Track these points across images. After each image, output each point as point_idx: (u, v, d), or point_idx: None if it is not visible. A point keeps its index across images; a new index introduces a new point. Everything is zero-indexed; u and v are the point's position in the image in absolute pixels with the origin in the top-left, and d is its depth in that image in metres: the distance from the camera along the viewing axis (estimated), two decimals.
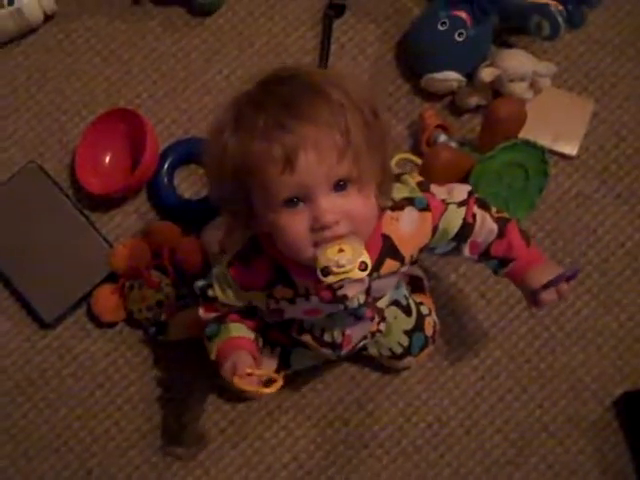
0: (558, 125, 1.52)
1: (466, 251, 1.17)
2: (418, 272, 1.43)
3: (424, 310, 1.37)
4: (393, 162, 1.49)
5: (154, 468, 1.40)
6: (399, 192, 1.10)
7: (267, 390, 1.09)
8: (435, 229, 1.12)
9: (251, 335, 1.20)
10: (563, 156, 1.53)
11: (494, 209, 1.18)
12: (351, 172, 0.95)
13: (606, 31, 1.59)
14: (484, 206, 1.17)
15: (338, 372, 1.43)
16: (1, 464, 1.40)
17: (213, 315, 1.18)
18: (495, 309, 1.47)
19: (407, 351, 1.35)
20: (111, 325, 1.44)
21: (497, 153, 1.36)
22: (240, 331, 1.19)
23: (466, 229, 1.14)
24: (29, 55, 1.56)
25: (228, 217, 1.12)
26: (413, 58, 1.55)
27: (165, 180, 1.48)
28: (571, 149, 1.53)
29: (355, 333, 1.23)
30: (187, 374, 1.43)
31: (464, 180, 1.36)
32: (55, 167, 1.51)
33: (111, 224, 1.49)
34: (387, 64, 1.57)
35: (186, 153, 1.50)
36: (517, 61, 1.47)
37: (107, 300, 1.41)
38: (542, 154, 1.42)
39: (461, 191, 1.16)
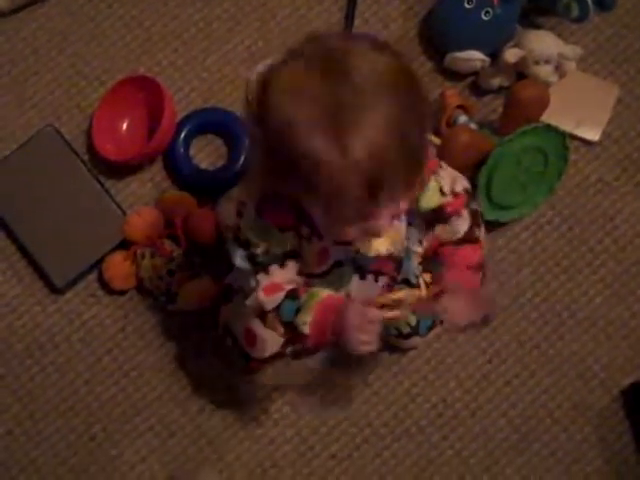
0: (581, 110, 1.50)
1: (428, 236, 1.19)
2: None
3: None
4: None
5: (157, 436, 1.42)
6: None
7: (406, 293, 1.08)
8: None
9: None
10: (585, 142, 1.51)
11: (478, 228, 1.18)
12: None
13: (636, 15, 1.56)
14: (475, 216, 1.17)
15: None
16: (7, 425, 1.42)
17: (279, 295, 1.09)
18: (507, 293, 1.46)
19: (414, 331, 1.34)
20: (121, 292, 1.45)
21: (517, 136, 1.35)
22: (326, 291, 1.10)
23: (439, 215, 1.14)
24: (51, 17, 1.55)
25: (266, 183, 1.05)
26: (437, 36, 1.52)
27: (182, 149, 1.48)
28: (593, 135, 1.50)
29: (360, 297, 1.21)
30: (195, 344, 1.44)
31: (482, 162, 1.35)
32: (72, 132, 1.51)
33: (126, 191, 1.49)
34: (410, 41, 1.55)
35: (204, 123, 1.50)
36: (543, 43, 1.45)
37: (118, 267, 1.42)
38: (563, 139, 1.40)
39: (459, 182, 1.16)
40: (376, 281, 1.19)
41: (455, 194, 1.15)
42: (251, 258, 1.10)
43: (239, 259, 1.10)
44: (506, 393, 1.44)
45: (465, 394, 1.44)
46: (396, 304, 1.05)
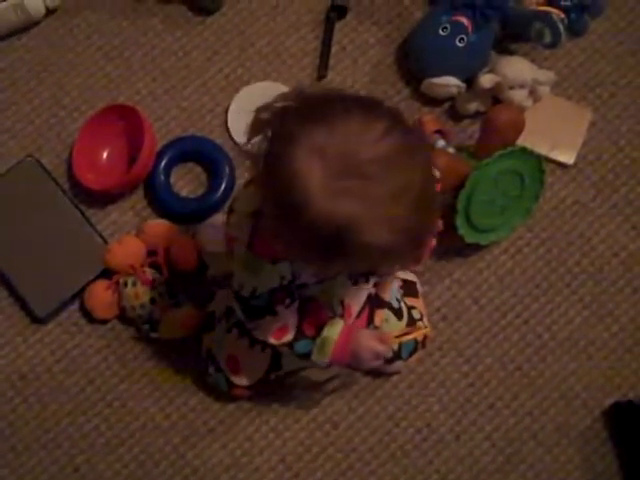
0: (556, 133, 1.52)
1: None
2: (411, 276, 1.43)
3: (415, 314, 1.37)
4: None
5: (142, 466, 1.41)
6: None
7: (423, 332, 1.20)
8: None
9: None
10: (560, 164, 1.53)
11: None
12: None
13: (607, 40, 1.59)
14: None
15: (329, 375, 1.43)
16: None
17: (288, 337, 1.15)
18: (488, 315, 1.47)
19: (397, 355, 1.35)
20: (104, 322, 1.44)
21: (494, 160, 1.36)
22: (338, 325, 1.17)
23: None
24: (30, 49, 1.56)
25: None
26: (414, 62, 1.54)
27: (162, 178, 1.48)
28: (568, 158, 1.53)
29: (353, 302, 1.22)
30: (178, 372, 1.43)
31: (461, 186, 1.36)
32: (52, 161, 1.51)
33: (107, 220, 1.49)
34: (388, 67, 1.57)
35: (184, 151, 1.50)
36: (517, 68, 1.47)
37: (100, 296, 1.41)
38: (539, 162, 1.42)
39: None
40: (367, 282, 1.22)
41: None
42: (245, 308, 1.14)
43: (240, 312, 1.16)
44: (490, 416, 1.44)
45: (449, 418, 1.44)
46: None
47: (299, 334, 1.15)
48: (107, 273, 1.43)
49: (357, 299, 1.22)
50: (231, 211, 1.14)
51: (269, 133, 0.94)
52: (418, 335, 1.18)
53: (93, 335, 1.44)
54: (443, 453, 1.43)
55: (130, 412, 1.42)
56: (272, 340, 1.16)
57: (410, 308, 1.37)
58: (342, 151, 0.87)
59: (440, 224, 1.23)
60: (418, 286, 1.43)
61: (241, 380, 1.34)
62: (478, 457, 1.43)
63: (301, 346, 1.15)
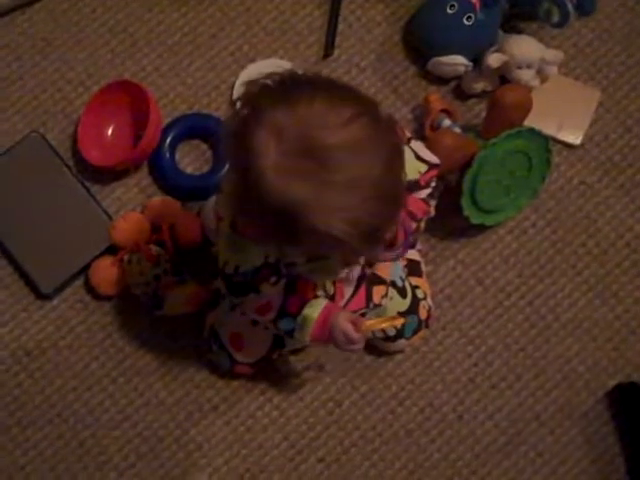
0: (563, 114, 1.52)
1: None
2: (416, 256, 1.43)
3: (419, 294, 1.37)
4: None
5: (146, 442, 1.41)
6: None
7: (398, 322, 1.15)
8: None
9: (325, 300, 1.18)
10: (567, 145, 1.52)
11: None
12: None
13: (616, 20, 1.58)
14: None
15: (333, 353, 1.43)
16: None
17: (271, 315, 1.15)
18: (492, 296, 1.47)
19: (400, 334, 1.35)
20: (108, 298, 1.44)
21: (501, 140, 1.36)
22: (319, 305, 1.15)
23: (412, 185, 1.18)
24: (34, 23, 1.55)
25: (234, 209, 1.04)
26: (420, 40, 1.53)
27: (167, 155, 1.47)
28: (575, 138, 1.52)
29: (345, 282, 1.21)
30: (182, 349, 1.43)
31: (467, 166, 1.36)
32: (57, 137, 1.50)
33: (112, 197, 1.49)
34: (394, 46, 1.56)
35: (189, 128, 1.50)
36: (525, 48, 1.46)
37: (105, 273, 1.41)
38: (546, 143, 1.41)
39: (425, 152, 1.21)
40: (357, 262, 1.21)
41: (430, 164, 1.21)
42: (228, 285, 1.14)
43: (224, 289, 1.16)
44: (492, 396, 1.45)
45: (452, 397, 1.45)
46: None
47: (282, 311, 1.14)
48: (112, 249, 1.43)
49: (348, 279, 1.21)
50: (220, 191, 1.15)
51: (241, 109, 0.93)
52: (394, 324, 1.16)
53: (98, 311, 1.44)
54: (445, 432, 1.44)
55: (134, 388, 1.43)
56: (255, 316, 1.18)
57: (414, 287, 1.37)
58: (301, 133, 0.86)
59: (432, 210, 1.23)
60: (422, 266, 1.43)
61: (244, 358, 1.35)
62: (480, 437, 1.44)
63: (284, 323, 1.15)
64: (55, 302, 1.45)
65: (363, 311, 1.24)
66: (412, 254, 1.41)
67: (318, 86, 0.91)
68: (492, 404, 1.44)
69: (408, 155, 1.15)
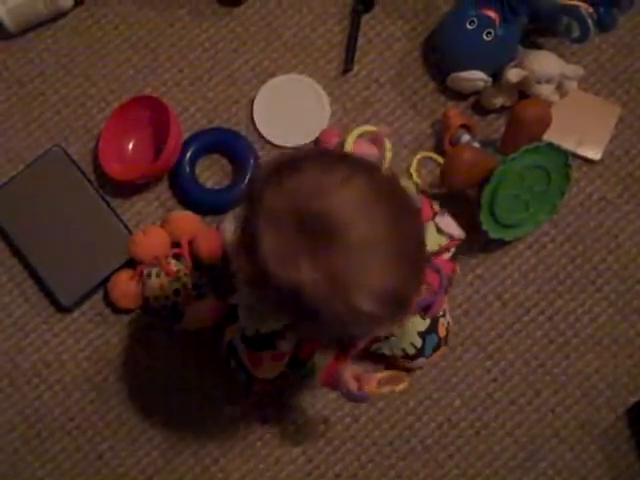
0: (583, 129, 1.51)
1: None
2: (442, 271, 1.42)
3: (439, 312, 1.36)
4: (415, 161, 1.49)
5: (163, 455, 1.42)
6: None
7: (400, 387, 1.15)
8: None
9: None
10: (587, 160, 1.51)
11: None
12: None
13: (637, 35, 1.57)
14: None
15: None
16: (14, 444, 1.42)
17: (283, 362, 1.20)
18: (511, 311, 1.47)
19: (420, 352, 1.35)
20: (127, 311, 1.45)
21: (520, 155, 1.35)
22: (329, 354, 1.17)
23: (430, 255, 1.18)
24: (58, 39, 1.57)
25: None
26: (440, 56, 1.54)
27: (187, 169, 1.48)
28: (595, 153, 1.51)
29: (359, 337, 1.22)
30: (200, 364, 1.44)
31: (486, 181, 1.36)
32: (79, 152, 1.52)
33: (132, 211, 1.50)
34: (414, 61, 1.56)
35: (209, 143, 1.51)
36: (545, 63, 1.46)
37: (124, 286, 1.42)
38: (565, 158, 1.41)
39: (451, 226, 1.23)
40: None
41: (451, 237, 1.24)
42: (247, 344, 1.19)
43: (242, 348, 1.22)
44: (511, 412, 1.44)
45: (470, 413, 1.44)
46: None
47: (295, 358, 1.18)
48: (131, 263, 1.44)
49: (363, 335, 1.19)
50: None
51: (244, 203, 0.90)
52: (398, 388, 1.15)
53: (117, 324, 1.45)
54: (464, 448, 1.43)
55: (153, 402, 1.43)
56: (269, 362, 1.21)
57: None
58: (294, 207, 0.81)
59: (457, 268, 1.27)
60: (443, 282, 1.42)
61: (262, 374, 1.34)
62: (499, 453, 1.43)
63: (295, 369, 1.20)
64: (75, 315, 1.46)
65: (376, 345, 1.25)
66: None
67: (307, 156, 0.87)
68: (511, 420, 1.43)
69: (430, 229, 1.18)
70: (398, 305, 0.85)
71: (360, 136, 1.42)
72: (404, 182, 1.09)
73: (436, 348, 1.36)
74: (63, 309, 1.45)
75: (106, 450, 1.42)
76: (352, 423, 1.43)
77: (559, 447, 1.43)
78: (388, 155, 1.41)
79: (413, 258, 0.86)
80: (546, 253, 1.49)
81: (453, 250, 1.28)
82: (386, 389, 1.14)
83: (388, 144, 1.42)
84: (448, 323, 1.38)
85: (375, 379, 1.14)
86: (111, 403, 1.43)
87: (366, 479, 1.42)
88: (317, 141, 1.50)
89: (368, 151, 1.43)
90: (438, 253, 1.24)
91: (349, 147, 1.39)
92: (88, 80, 1.55)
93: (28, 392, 1.44)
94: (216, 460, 1.42)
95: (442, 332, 1.36)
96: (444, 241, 1.22)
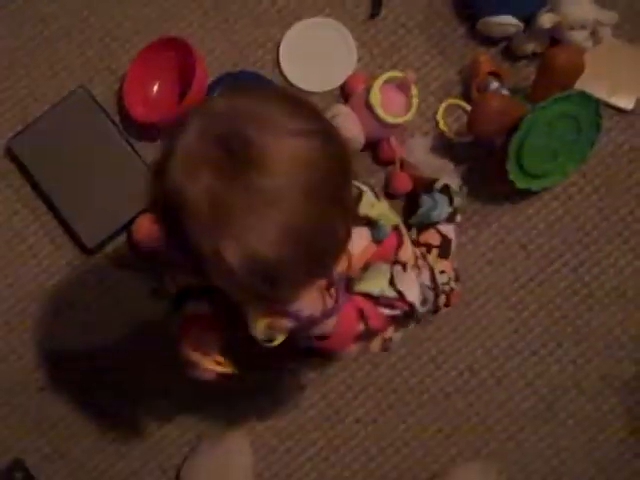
0: (616, 77, 1.48)
1: None
2: (450, 233, 1.40)
3: (443, 279, 1.34)
4: (442, 108, 1.47)
5: (188, 397, 1.43)
6: (364, 207, 0.99)
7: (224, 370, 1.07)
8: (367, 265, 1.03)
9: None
10: (619, 110, 1.48)
11: None
12: None
13: None
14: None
15: None
16: (39, 383, 1.45)
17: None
18: (535, 262, 1.45)
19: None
20: (150, 255, 1.45)
21: (550, 103, 1.33)
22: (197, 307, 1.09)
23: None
24: None
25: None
26: (470, 0, 1.50)
27: None
28: (627, 103, 1.48)
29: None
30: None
31: (514, 130, 1.33)
32: (103, 93, 1.51)
33: (155, 153, 1.49)
34: (443, 5, 1.52)
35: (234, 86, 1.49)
36: (579, 8, 1.42)
37: (147, 229, 1.42)
38: (597, 107, 1.38)
39: (408, 287, 1.07)
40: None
41: (400, 296, 1.06)
42: None
43: None
44: (532, 362, 1.44)
45: (491, 362, 1.44)
46: None
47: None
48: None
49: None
50: None
51: None
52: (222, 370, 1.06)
53: (140, 267, 1.46)
54: (484, 397, 1.43)
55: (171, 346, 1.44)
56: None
57: (440, 273, 1.35)
58: (236, 122, 0.75)
59: (389, 332, 1.13)
60: (453, 245, 1.39)
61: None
62: (519, 402, 1.43)
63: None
64: (98, 257, 1.47)
65: None
66: (447, 230, 1.39)
67: (285, 92, 0.83)
68: (532, 370, 1.43)
69: (382, 271, 1.04)
70: (265, 281, 0.77)
71: (387, 82, 1.40)
72: (374, 208, 1.00)
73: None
74: (87, 251, 1.46)
75: (129, 388, 1.44)
76: (373, 370, 1.43)
77: (579, 398, 1.43)
78: (414, 102, 1.39)
79: (313, 255, 0.78)
80: (573, 204, 1.47)
81: (396, 313, 1.08)
82: (216, 368, 1.06)
83: (415, 90, 1.39)
84: (451, 288, 1.35)
85: (211, 356, 1.06)
86: (134, 343, 1.44)
87: (386, 425, 1.43)
88: (344, 86, 1.49)
89: (394, 99, 1.40)
90: (376, 299, 1.06)
91: (375, 93, 1.37)
92: (113, 21, 1.54)
93: (52, 331, 1.46)
94: (237, 403, 1.43)
95: (441, 302, 1.33)
96: (390, 294, 1.05)
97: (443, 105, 1.48)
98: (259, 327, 0.96)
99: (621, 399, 1.42)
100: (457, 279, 1.38)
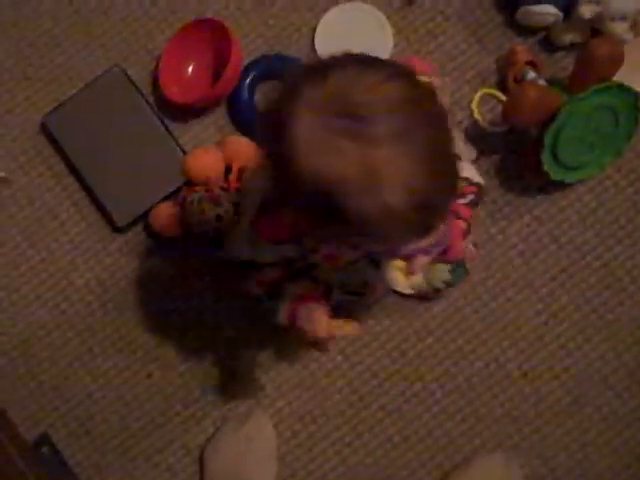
0: None
1: None
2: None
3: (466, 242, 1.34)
4: (477, 97, 1.46)
5: (212, 377, 1.44)
6: None
7: (351, 331, 1.12)
8: None
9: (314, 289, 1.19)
10: None
11: None
12: None
13: None
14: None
15: (400, 303, 1.43)
16: (68, 358, 1.46)
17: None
18: (566, 255, 1.44)
19: (449, 285, 1.34)
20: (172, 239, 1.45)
21: (588, 95, 1.31)
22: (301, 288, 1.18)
23: None
24: None
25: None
26: None
27: (246, 95, 1.47)
28: None
29: (378, 284, 1.22)
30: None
31: (550, 120, 1.32)
32: (139, 73, 1.51)
33: (188, 134, 1.49)
34: None
35: (269, 69, 1.49)
36: None
37: (166, 216, 1.41)
38: (635, 100, 1.36)
39: (470, 171, 1.21)
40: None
41: (469, 182, 1.20)
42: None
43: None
44: (560, 356, 1.43)
45: (518, 354, 1.43)
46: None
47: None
48: (170, 196, 1.45)
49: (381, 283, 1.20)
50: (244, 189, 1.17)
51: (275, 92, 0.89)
52: (351, 333, 1.13)
53: (169, 247, 1.46)
54: (509, 389, 1.42)
55: (203, 325, 1.45)
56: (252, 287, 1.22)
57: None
58: (335, 97, 0.81)
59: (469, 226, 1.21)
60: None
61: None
62: (544, 396, 1.42)
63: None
64: (129, 235, 1.48)
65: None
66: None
67: (352, 55, 0.86)
68: (559, 364, 1.42)
69: None
70: (429, 210, 0.84)
71: None
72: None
73: (463, 278, 1.35)
74: (118, 229, 1.47)
75: (155, 370, 1.45)
76: (399, 357, 1.43)
77: (606, 393, 1.42)
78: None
79: (445, 165, 0.86)
80: (607, 197, 1.45)
81: (471, 198, 1.24)
82: (337, 330, 1.11)
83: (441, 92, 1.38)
84: (472, 249, 1.37)
85: (325, 319, 1.12)
86: (163, 324, 1.45)
87: (410, 414, 1.43)
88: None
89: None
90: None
91: None
92: (150, 0, 1.54)
93: (81, 309, 1.47)
94: (263, 387, 1.44)
95: (469, 260, 1.35)
96: (461, 185, 1.18)
97: (478, 94, 1.46)
98: (400, 280, 1.08)
99: None
100: (475, 244, 1.39)
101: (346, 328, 1.12)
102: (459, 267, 1.33)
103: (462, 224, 1.24)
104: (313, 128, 0.81)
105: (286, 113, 0.83)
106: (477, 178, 1.28)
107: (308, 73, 0.85)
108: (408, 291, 1.36)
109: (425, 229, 0.88)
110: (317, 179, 0.81)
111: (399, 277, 1.31)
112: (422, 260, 1.13)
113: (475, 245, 1.39)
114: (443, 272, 1.32)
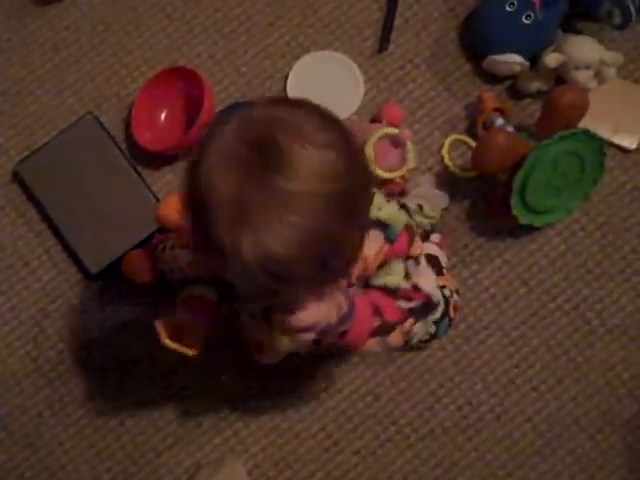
0: (620, 117, 1.49)
1: None
2: (433, 250, 1.37)
3: (447, 293, 1.33)
4: (447, 143, 1.48)
5: (183, 426, 1.43)
6: (374, 209, 1.05)
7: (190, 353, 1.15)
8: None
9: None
10: (622, 149, 1.49)
11: None
12: None
13: None
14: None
15: None
16: (38, 407, 1.44)
17: None
18: (537, 298, 1.46)
19: (434, 336, 1.31)
20: (150, 280, 1.44)
21: (554, 141, 1.34)
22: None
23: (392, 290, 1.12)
24: (94, 7, 1.57)
25: None
26: (477, 38, 1.52)
27: None
28: (631, 142, 1.49)
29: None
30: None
31: (518, 166, 1.34)
32: (111, 120, 1.52)
33: (161, 181, 1.50)
34: (450, 42, 1.54)
35: None
36: (584, 48, 1.44)
37: (138, 263, 1.40)
38: (600, 146, 1.39)
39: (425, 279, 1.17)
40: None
41: (416, 288, 1.14)
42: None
43: None
44: (532, 398, 1.43)
45: (491, 397, 1.44)
46: None
47: None
48: (142, 244, 1.44)
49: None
50: None
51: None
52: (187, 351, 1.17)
53: (142, 294, 1.46)
54: (483, 432, 1.43)
55: (175, 371, 1.44)
56: None
57: (442, 288, 1.34)
58: (270, 130, 0.81)
59: (407, 325, 1.15)
60: (442, 260, 1.36)
61: (265, 360, 1.32)
62: (518, 439, 1.42)
63: None
64: (101, 282, 1.47)
65: None
66: (429, 248, 1.36)
67: (319, 107, 0.86)
68: (532, 406, 1.43)
69: (397, 266, 1.11)
70: (276, 278, 0.82)
71: (382, 137, 1.40)
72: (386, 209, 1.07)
73: (447, 329, 1.32)
74: (90, 276, 1.46)
75: (127, 418, 1.43)
76: (373, 402, 1.43)
77: (579, 435, 1.42)
78: (411, 156, 1.39)
79: (325, 260, 0.84)
80: (576, 241, 1.47)
81: (415, 305, 1.15)
82: (176, 347, 1.15)
83: (410, 146, 1.39)
84: (455, 302, 1.34)
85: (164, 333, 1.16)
86: (135, 368, 1.45)
87: (384, 458, 1.42)
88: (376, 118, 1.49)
89: (390, 154, 1.41)
90: (393, 292, 1.12)
91: (370, 148, 1.37)
92: (123, 49, 1.56)
93: (53, 357, 1.46)
94: (237, 432, 1.43)
95: (452, 313, 1.32)
96: (406, 286, 1.13)
97: (448, 140, 1.48)
98: (284, 342, 1.03)
99: (621, 436, 1.42)
100: (457, 292, 1.37)
101: (185, 350, 1.15)
102: (443, 320, 1.32)
103: (373, 320, 1.08)
104: (228, 143, 0.82)
105: (217, 125, 0.84)
106: (430, 289, 1.19)
107: (266, 100, 0.87)
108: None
109: (267, 290, 0.85)
110: (202, 188, 0.82)
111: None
112: (309, 336, 0.99)
113: (457, 292, 1.37)
114: (429, 325, 1.32)
